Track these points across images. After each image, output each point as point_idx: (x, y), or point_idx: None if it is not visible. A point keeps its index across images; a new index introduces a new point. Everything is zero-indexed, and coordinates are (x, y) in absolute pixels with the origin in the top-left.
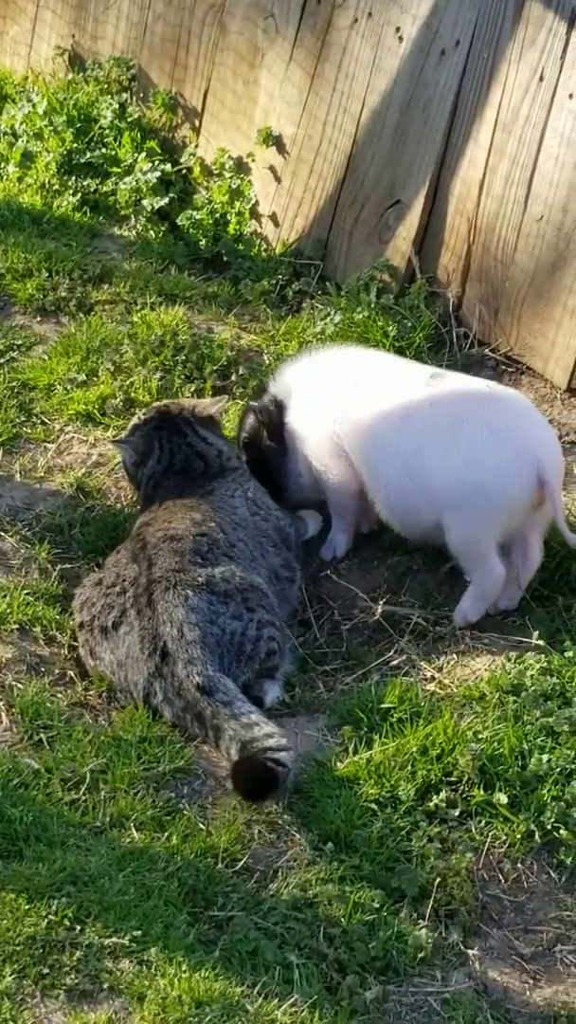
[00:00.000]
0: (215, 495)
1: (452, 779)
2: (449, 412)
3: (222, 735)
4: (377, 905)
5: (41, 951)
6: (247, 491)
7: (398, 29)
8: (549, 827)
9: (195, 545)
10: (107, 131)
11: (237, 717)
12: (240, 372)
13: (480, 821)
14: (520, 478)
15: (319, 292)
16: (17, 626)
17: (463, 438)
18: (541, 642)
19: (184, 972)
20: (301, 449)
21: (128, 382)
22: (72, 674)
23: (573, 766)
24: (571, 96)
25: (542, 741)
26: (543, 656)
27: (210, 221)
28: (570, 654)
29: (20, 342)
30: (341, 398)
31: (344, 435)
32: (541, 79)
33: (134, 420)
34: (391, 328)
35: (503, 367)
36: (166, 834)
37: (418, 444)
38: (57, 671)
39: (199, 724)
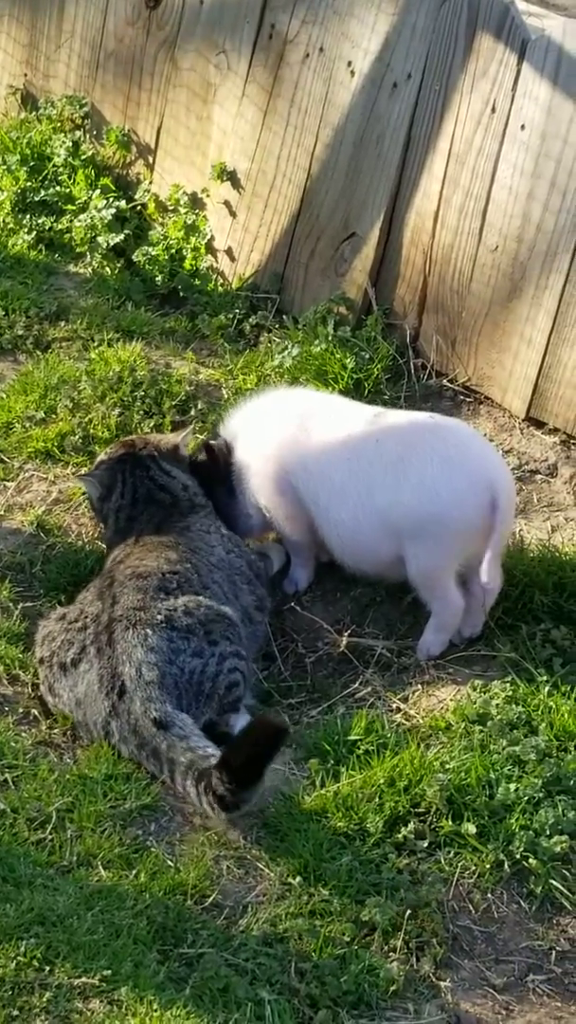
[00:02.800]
0: (192, 532)
1: (420, 810)
2: (396, 446)
3: (176, 768)
4: (348, 938)
5: (10, 993)
6: (220, 527)
7: (350, 63)
8: (518, 856)
9: (161, 582)
10: (61, 169)
11: (193, 750)
12: (199, 407)
13: (449, 852)
14: (475, 503)
15: (276, 326)
16: None
17: (413, 469)
18: (508, 673)
19: (155, 1011)
20: (249, 489)
21: (87, 419)
22: (36, 712)
23: (540, 795)
24: (523, 127)
25: (509, 770)
26: (508, 685)
27: (166, 257)
28: (535, 682)
29: None
30: (287, 440)
31: (292, 476)
32: (493, 110)
33: (100, 456)
34: (349, 360)
35: (461, 397)
36: (134, 872)
37: (367, 482)
38: (21, 710)
39: (155, 760)
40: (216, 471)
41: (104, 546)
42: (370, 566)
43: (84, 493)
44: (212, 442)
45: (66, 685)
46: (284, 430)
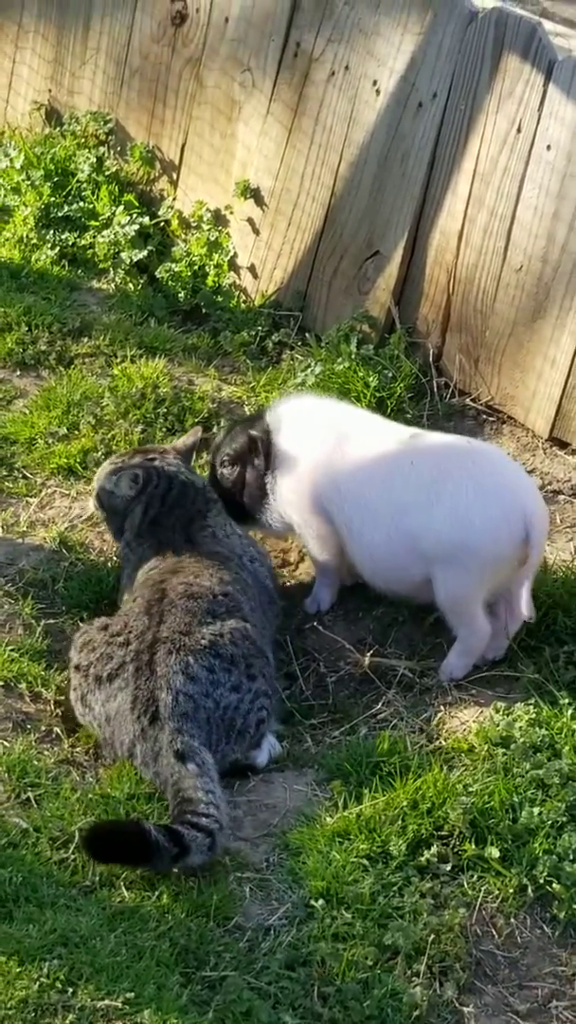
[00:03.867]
0: (221, 540)
1: (443, 833)
2: (430, 469)
3: (174, 798)
4: (371, 962)
5: (33, 1014)
6: (236, 528)
7: (375, 82)
8: (542, 881)
9: (211, 605)
10: (85, 185)
11: (199, 788)
12: (222, 424)
13: (472, 876)
14: (508, 533)
15: (299, 343)
16: (2, 683)
17: (446, 494)
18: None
19: None
20: (280, 502)
21: (110, 435)
22: (58, 731)
23: (564, 819)
24: (549, 147)
25: (532, 794)
26: (532, 708)
27: (189, 273)
28: (559, 704)
29: (0, 396)
30: (323, 461)
31: (326, 498)
32: (519, 130)
33: (112, 465)
34: (372, 379)
35: (484, 417)
36: (156, 893)
37: (401, 504)
38: (43, 728)
39: (168, 788)
40: (253, 464)
41: (121, 558)
42: (402, 587)
43: (101, 495)
44: (255, 434)
45: (99, 698)
46: (322, 450)
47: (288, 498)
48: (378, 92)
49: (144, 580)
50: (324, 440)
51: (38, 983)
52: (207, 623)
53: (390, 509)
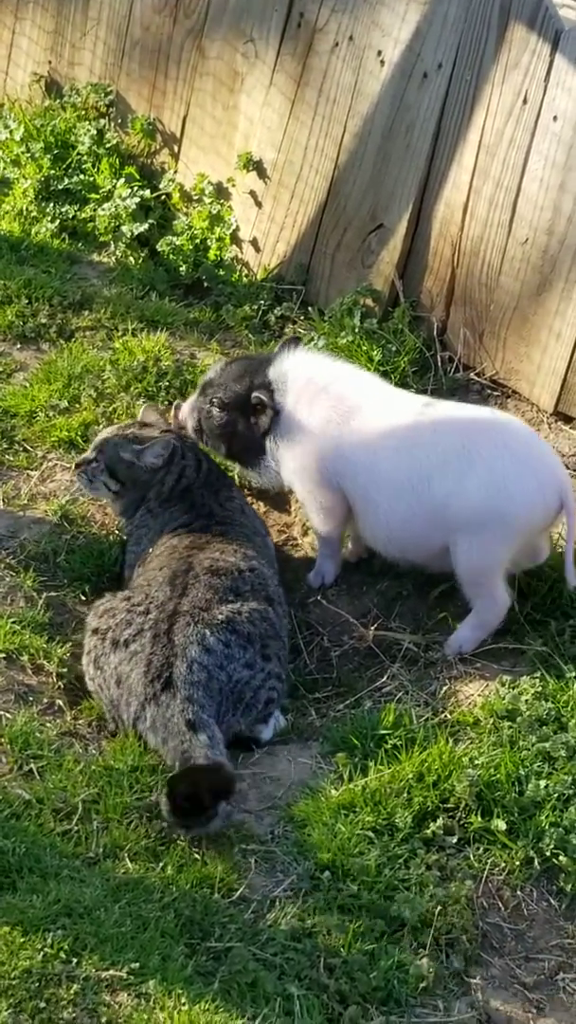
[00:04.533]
0: (242, 513)
1: (449, 806)
2: (458, 436)
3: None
4: (377, 934)
5: (37, 985)
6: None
7: (380, 53)
8: (548, 854)
9: (234, 583)
10: (85, 157)
11: (210, 760)
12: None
13: (478, 848)
14: (543, 503)
15: (301, 317)
16: (4, 655)
17: (481, 462)
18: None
19: (183, 1005)
20: (282, 470)
21: (111, 408)
22: (61, 703)
23: (571, 791)
24: (555, 118)
25: (539, 767)
26: (537, 681)
27: (190, 247)
28: (565, 678)
29: (0, 369)
30: (332, 432)
31: (334, 470)
32: (525, 101)
33: (118, 437)
34: (375, 353)
35: (488, 391)
36: (161, 864)
37: (424, 472)
38: (45, 700)
39: (173, 754)
40: (250, 421)
41: (130, 533)
42: (419, 556)
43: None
44: (260, 396)
45: (113, 661)
46: (332, 421)
47: (291, 467)
48: (383, 63)
49: (169, 547)
50: (334, 409)
51: (42, 953)
52: (228, 601)
53: (412, 478)
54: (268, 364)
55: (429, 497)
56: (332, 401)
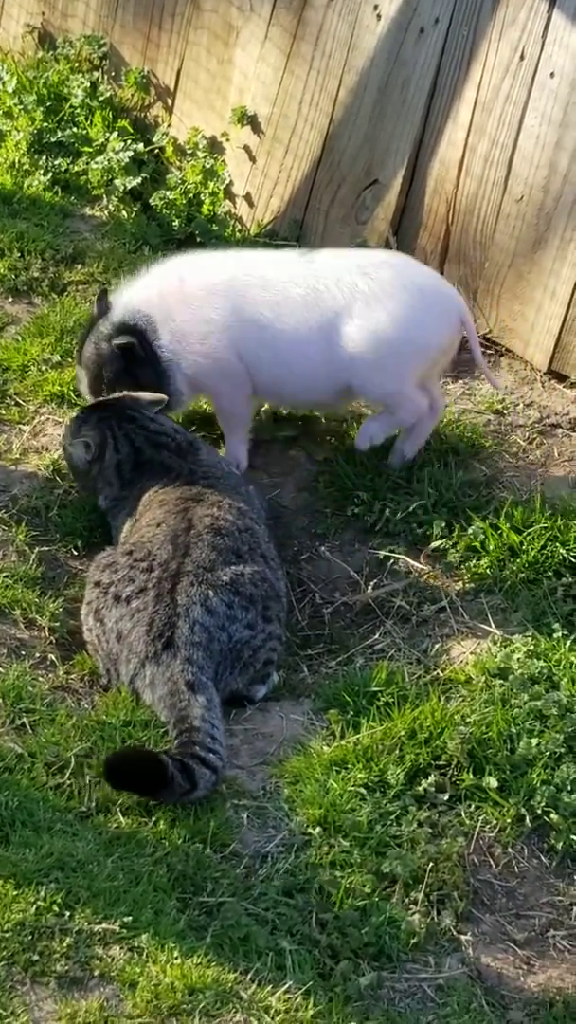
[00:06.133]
0: (225, 478)
1: (441, 763)
2: (356, 276)
3: (179, 726)
4: (368, 890)
5: (30, 937)
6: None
7: (376, 7)
8: (539, 811)
9: (235, 543)
10: (78, 110)
11: (207, 721)
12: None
13: (470, 805)
14: (450, 328)
15: None
16: None
17: (387, 297)
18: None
19: (176, 958)
20: (182, 370)
21: None
22: (53, 658)
23: (562, 750)
24: (552, 75)
25: (530, 725)
26: (529, 639)
27: (183, 201)
28: (557, 636)
29: None
30: (222, 311)
31: (235, 341)
32: (522, 58)
33: (71, 422)
34: None
35: (482, 349)
36: (153, 819)
37: (329, 316)
38: (38, 655)
39: (168, 712)
40: (141, 359)
41: (107, 508)
42: (321, 398)
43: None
44: (123, 340)
45: (114, 615)
46: (213, 301)
47: (193, 364)
48: (379, 17)
49: (158, 500)
50: (212, 295)
51: (35, 906)
52: (231, 563)
53: (318, 326)
54: (105, 320)
55: (339, 336)
56: (203, 285)
